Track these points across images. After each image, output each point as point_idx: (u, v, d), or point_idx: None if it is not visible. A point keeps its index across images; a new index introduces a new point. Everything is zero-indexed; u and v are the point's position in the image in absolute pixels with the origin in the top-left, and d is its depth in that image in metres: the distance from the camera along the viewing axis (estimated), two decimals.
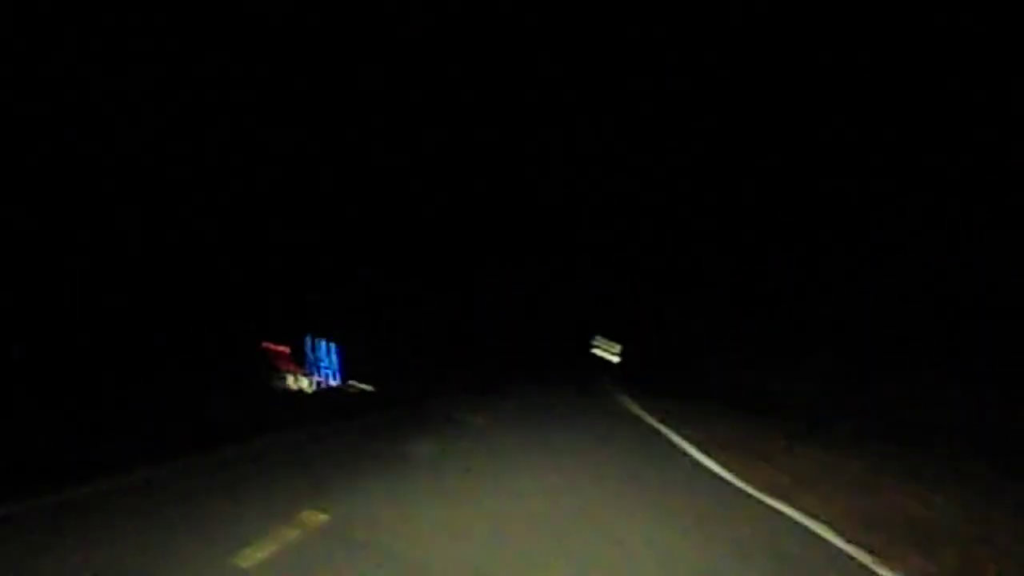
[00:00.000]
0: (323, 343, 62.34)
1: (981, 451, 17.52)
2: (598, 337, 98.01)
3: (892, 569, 8.62)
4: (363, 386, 60.83)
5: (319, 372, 62.14)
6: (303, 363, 60.00)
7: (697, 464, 15.49)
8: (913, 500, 10.83)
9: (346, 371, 63.77)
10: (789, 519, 9.78)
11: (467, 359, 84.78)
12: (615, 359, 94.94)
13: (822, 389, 31.75)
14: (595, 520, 10.14)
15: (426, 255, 76.07)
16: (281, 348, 58.34)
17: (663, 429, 22.83)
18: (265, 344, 57.44)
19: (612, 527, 10.14)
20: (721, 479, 13.83)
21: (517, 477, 13.87)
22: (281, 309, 58.75)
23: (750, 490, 11.97)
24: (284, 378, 58.40)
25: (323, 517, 10.18)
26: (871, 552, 8.62)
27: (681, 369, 58.45)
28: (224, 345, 54.30)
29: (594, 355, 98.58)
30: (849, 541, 8.99)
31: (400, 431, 25.20)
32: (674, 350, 65.37)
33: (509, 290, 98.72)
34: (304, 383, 58.47)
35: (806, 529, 9.35)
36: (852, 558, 8.81)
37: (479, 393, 51.44)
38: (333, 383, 61.70)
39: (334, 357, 63.38)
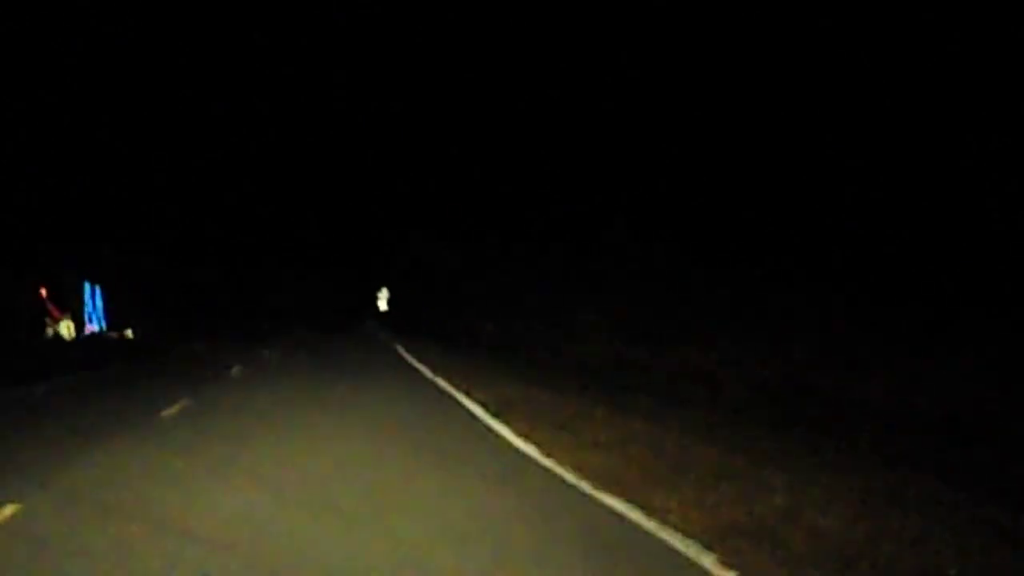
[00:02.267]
0: (87, 286, 55.86)
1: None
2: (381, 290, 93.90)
3: None
4: (126, 332, 55.03)
5: (88, 318, 55.90)
6: (68, 308, 53.61)
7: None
8: None
9: (111, 316, 57.68)
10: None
11: (243, 310, 79.53)
12: (383, 306, 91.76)
13: None
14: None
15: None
16: (41, 290, 51.70)
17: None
18: (41, 289, 50.94)
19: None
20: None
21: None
22: (55, 253, 52.35)
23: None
24: (50, 325, 52.06)
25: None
26: None
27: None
28: None
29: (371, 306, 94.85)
30: None
31: (152, 384, 21.02)
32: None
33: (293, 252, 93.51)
34: (64, 330, 52.13)
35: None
36: None
37: (250, 340, 47.00)
38: (95, 329, 55.62)
39: (98, 301, 57.12)
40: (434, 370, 21.80)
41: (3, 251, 47.54)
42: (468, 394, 16.16)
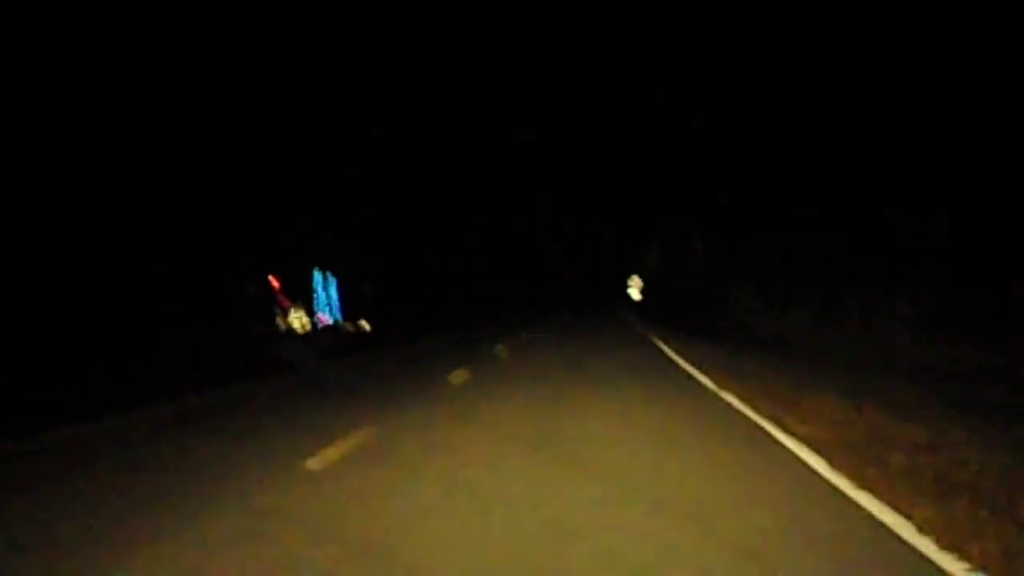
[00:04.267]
0: (319, 275, 52.93)
1: None
2: (632, 276, 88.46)
3: None
4: (362, 324, 52.03)
5: (318, 308, 53.01)
6: (299, 298, 50.85)
7: None
8: None
9: (346, 307, 54.77)
10: None
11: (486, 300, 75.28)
12: (637, 296, 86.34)
13: None
14: None
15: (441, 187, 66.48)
16: (272, 280, 49.04)
17: None
18: (270, 278, 48.40)
19: None
20: None
21: None
22: (283, 239, 49.67)
23: None
24: (281, 316, 49.42)
25: None
26: None
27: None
28: (230, 279, 45.86)
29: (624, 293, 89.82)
30: None
31: (340, 398, 14.57)
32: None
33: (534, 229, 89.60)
34: (297, 322, 49.27)
35: None
36: None
37: (485, 333, 42.19)
38: (329, 321, 52.74)
39: (333, 292, 54.25)
40: (715, 380, 16.02)
41: (233, 238, 45.12)
42: (780, 425, 10.38)
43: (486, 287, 75.83)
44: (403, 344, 33.97)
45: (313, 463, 8.50)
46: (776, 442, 9.47)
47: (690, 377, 17.34)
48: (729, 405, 12.67)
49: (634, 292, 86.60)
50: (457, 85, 61.05)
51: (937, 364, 19.33)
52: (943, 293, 24.23)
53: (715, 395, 13.99)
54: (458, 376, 17.74)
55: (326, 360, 25.76)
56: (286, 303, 49.91)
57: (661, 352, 25.17)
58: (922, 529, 5.63)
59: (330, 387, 17.47)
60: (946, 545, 5.27)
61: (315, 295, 52.69)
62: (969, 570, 4.88)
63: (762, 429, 10.35)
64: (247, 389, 16.97)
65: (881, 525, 5.86)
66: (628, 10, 55.47)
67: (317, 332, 48.58)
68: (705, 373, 17.42)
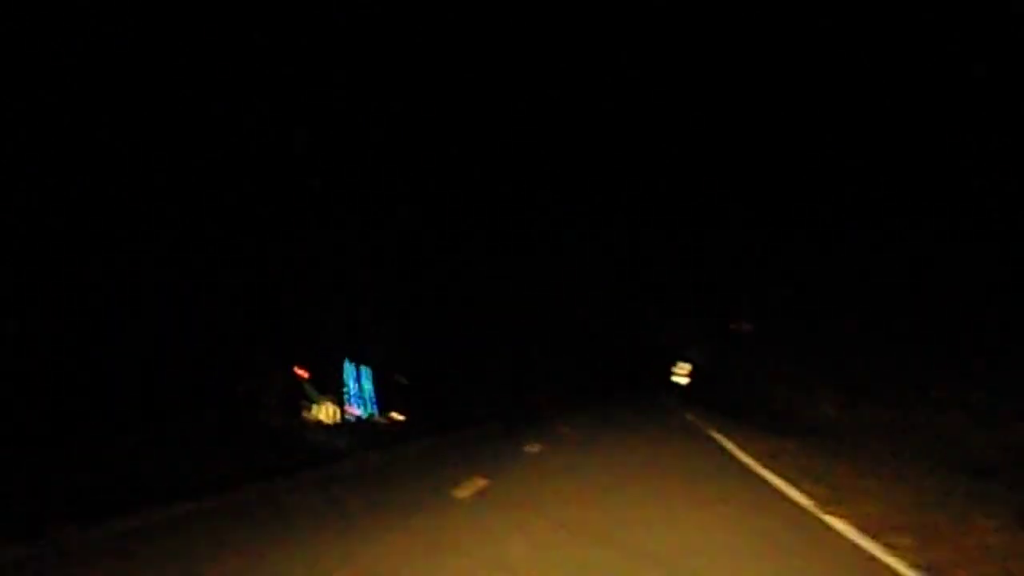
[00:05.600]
0: (351, 367, 49.35)
1: None
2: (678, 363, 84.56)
3: None
4: (395, 416, 48.25)
5: (349, 400, 49.36)
6: (328, 389, 47.35)
7: None
8: None
9: (382, 399, 50.91)
10: None
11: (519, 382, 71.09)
12: (684, 380, 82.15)
13: None
14: None
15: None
16: (302, 372, 45.69)
17: None
18: (296, 369, 45.08)
19: None
20: None
21: None
22: (311, 329, 46.26)
23: None
24: (308, 408, 46.01)
25: None
26: None
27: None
28: (253, 370, 42.82)
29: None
30: None
31: (310, 519, 10.87)
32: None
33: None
34: (324, 413, 45.73)
35: None
36: None
37: (518, 427, 37.25)
38: (359, 413, 49.03)
39: (367, 383, 50.46)
40: (809, 493, 11.62)
41: (260, 325, 41.76)
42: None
43: (528, 371, 71.54)
44: (432, 437, 30.19)
45: None
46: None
47: (774, 489, 12.80)
48: (847, 541, 8.27)
49: (681, 378, 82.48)
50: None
51: None
52: None
53: (819, 521, 9.56)
54: (470, 487, 13.45)
55: (346, 458, 21.96)
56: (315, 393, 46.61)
57: (719, 444, 20.67)
58: None
59: (339, 494, 13.47)
60: None
61: (346, 387, 49.19)
62: None
63: None
64: (240, 496, 13.19)
65: None
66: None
67: (345, 424, 45.00)
68: (789, 481, 12.95)
